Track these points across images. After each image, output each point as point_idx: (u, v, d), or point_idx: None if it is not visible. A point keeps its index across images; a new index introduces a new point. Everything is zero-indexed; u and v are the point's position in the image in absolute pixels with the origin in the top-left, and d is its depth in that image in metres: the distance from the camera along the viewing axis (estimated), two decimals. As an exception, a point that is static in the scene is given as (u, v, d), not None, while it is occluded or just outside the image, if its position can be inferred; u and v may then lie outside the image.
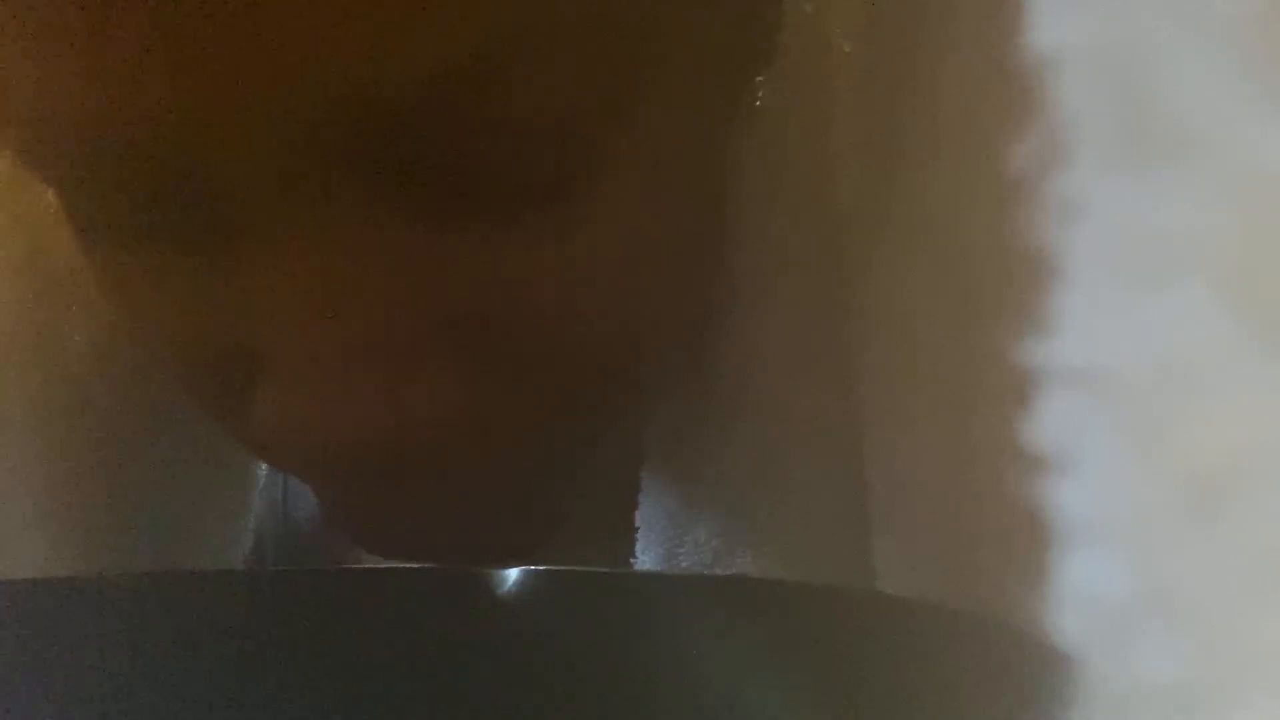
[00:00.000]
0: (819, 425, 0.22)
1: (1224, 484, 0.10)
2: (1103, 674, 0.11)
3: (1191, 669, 0.11)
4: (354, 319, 0.18)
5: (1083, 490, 0.11)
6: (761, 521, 0.23)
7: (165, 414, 0.26)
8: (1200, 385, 0.11)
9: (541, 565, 0.15)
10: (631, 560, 0.25)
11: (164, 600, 0.15)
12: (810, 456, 0.22)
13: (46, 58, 0.16)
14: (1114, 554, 0.11)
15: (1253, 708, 0.10)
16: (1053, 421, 0.12)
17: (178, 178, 0.18)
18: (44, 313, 0.25)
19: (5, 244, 0.25)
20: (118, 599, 0.15)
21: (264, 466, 0.29)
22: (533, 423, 0.20)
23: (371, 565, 0.23)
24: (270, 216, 0.18)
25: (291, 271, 0.18)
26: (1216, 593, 0.10)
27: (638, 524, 0.25)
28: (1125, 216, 0.11)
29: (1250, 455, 0.10)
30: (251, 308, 0.18)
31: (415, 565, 0.19)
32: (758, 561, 0.23)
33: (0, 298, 0.25)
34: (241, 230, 0.18)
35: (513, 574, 0.15)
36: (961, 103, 0.17)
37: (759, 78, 0.22)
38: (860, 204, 0.21)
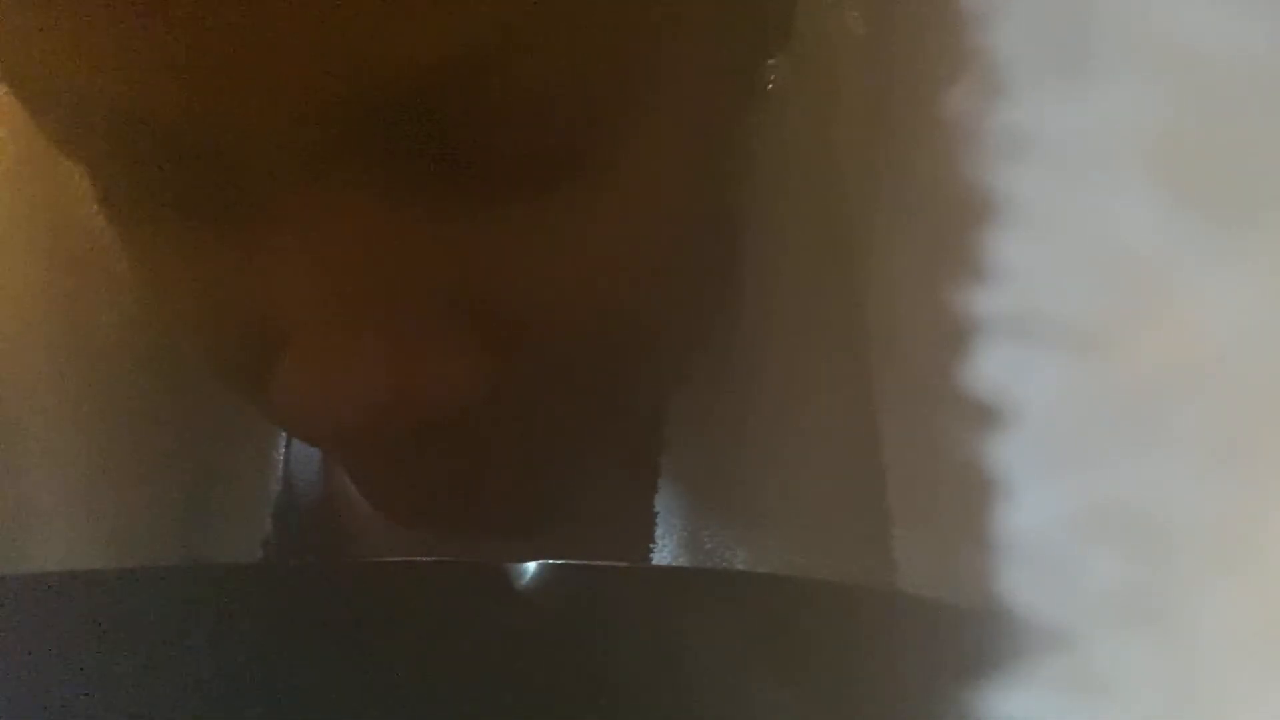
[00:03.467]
0: (836, 414, 0.22)
1: (1171, 392, 0.10)
2: (1050, 614, 0.11)
3: (1142, 577, 0.10)
4: (372, 296, 0.18)
5: (1026, 431, 0.11)
6: (779, 514, 0.23)
7: (187, 401, 0.26)
8: (1145, 292, 0.10)
9: (559, 559, 0.15)
10: (649, 550, 0.25)
11: (185, 593, 0.15)
12: (828, 448, 0.22)
13: (83, 44, 0.17)
14: (1058, 489, 0.11)
15: (1211, 611, 0.10)
16: (998, 367, 0.11)
17: (204, 157, 0.18)
18: (69, 295, 0.25)
19: (29, 227, 0.25)
20: (140, 591, 0.15)
21: (281, 454, 0.29)
22: (548, 408, 0.21)
23: (389, 560, 0.23)
24: (292, 195, 0.18)
25: (312, 249, 0.18)
26: (1166, 502, 0.10)
27: (655, 516, 0.25)
28: (1064, 128, 0.11)
29: (1200, 358, 0.10)
30: (273, 284, 0.19)
31: (433, 559, 0.19)
32: (774, 555, 0.23)
33: (26, 281, 0.25)
34: (265, 208, 0.18)
35: (530, 568, 0.15)
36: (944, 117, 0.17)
37: (772, 61, 0.22)
38: (874, 188, 0.21)
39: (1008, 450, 0.11)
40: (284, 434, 0.29)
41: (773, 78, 0.22)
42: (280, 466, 0.29)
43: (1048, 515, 0.10)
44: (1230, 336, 0.10)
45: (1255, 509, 0.10)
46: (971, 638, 0.12)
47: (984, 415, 0.11)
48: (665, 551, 0.25)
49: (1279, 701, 0.10)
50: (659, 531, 0.25)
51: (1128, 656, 0.10)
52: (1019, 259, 0.11)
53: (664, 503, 0.25)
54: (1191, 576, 0.10)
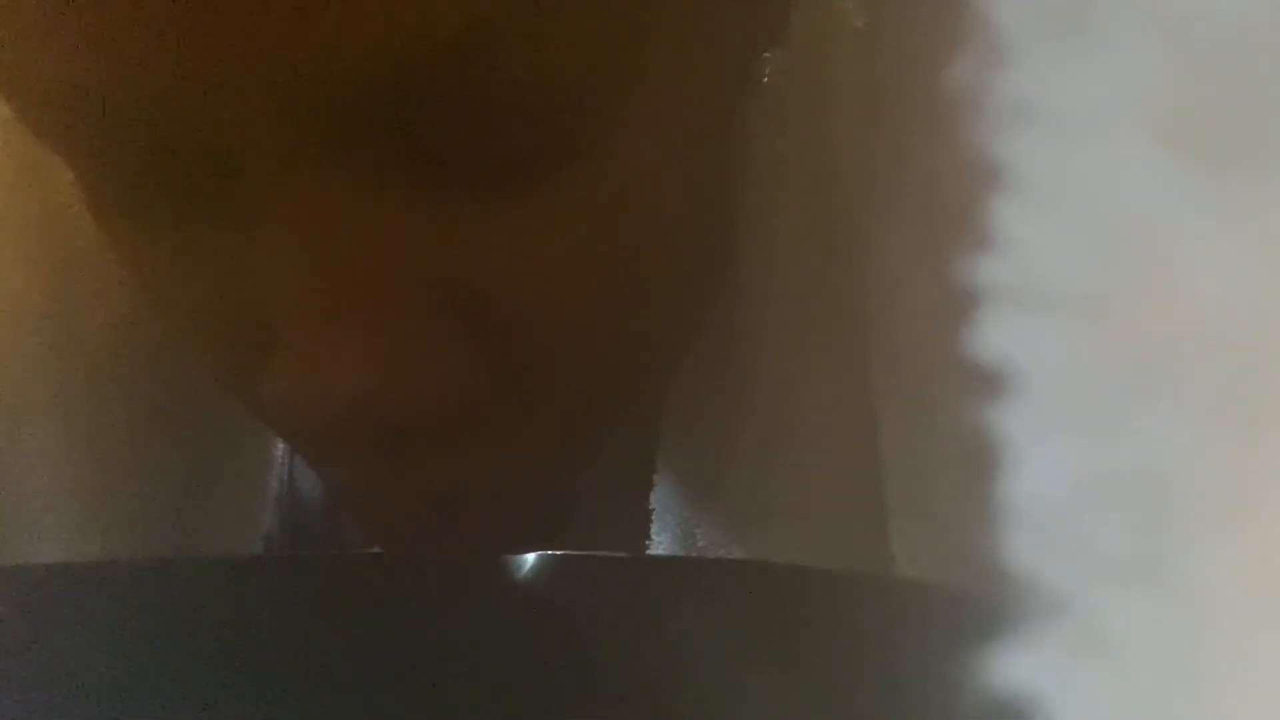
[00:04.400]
0: (832, 405, 0.22)
1: (1175, 355, 0.10)
2: (1055, 579, 0.11)
3: (1146, 540, 0.10)
4: (361, 290, 0.18)
5: (1030, 399, 0.11)
6: (776, 504, 0.23)
7: (186, 395, 0.26)
8: (1149, 255, 0.10)
9: (558, 550, 0.15)
10: (646, 545, 0.25)
11: (181, 586, 0.15)
12: (824, 437, 0.22)
13: (66, 37, 0.17)
14: (1062, 455, 0.11)
15: (1215, 571, 0.10)
16: (1000, 337, 0.11)
17: (189, 150, 0.18)
18: (62, 292, 0.25)
19: (19, 225, 0.25)
20: (135, 585, 0.15)
21: (281, 449, 0.29)
22: (542, 401, 0.20)
23: (387, 551, 0.23)
24: (280, 188, 0.18)
25: (299, 242, 0.18)
26: (1170, 464, 0.10)
27: (652, 508, 0.25)
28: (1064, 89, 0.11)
29: (1204, 320, 0.10)
30: (261, 278, 0.19)
31: (432, 550, 0.19)
32: (772, 545, 0.23)
33: (17, 279, 0.25)
34: (251, 201, 0.18)
35: (529, 559, 0.15)
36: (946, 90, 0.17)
37: (767, 54, 0.22)
38: (870, 181, 0.21)
39: (1011, 419, 0.11)
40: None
41: (768, 71, 0.22)
42: (278, 463, 0.29)
43: (1052, 482, 0.10)
44: (1235, 297, 0.10)
45: (1260, 469, 0.10)
46: (970, 622, 0.12)
47: (986, 391, 0.11)
48: (660, 548, 0.25)
49: None
50: (655, 528, 0.25)
51: (1131, 619, 0.10)
52: (1021, 229, 0.11)
53: (659, 499, 0.25)
54: (1195, 538, 0.10)
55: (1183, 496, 0.10)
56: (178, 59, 0.16)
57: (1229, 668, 0.10)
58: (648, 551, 0.25)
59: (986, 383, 0.11)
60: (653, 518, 0.25)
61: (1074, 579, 0.10)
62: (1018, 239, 0.11)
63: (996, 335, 0.11)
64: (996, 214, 0.11)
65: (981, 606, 0.12)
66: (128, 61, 0.16)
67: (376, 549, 0.24)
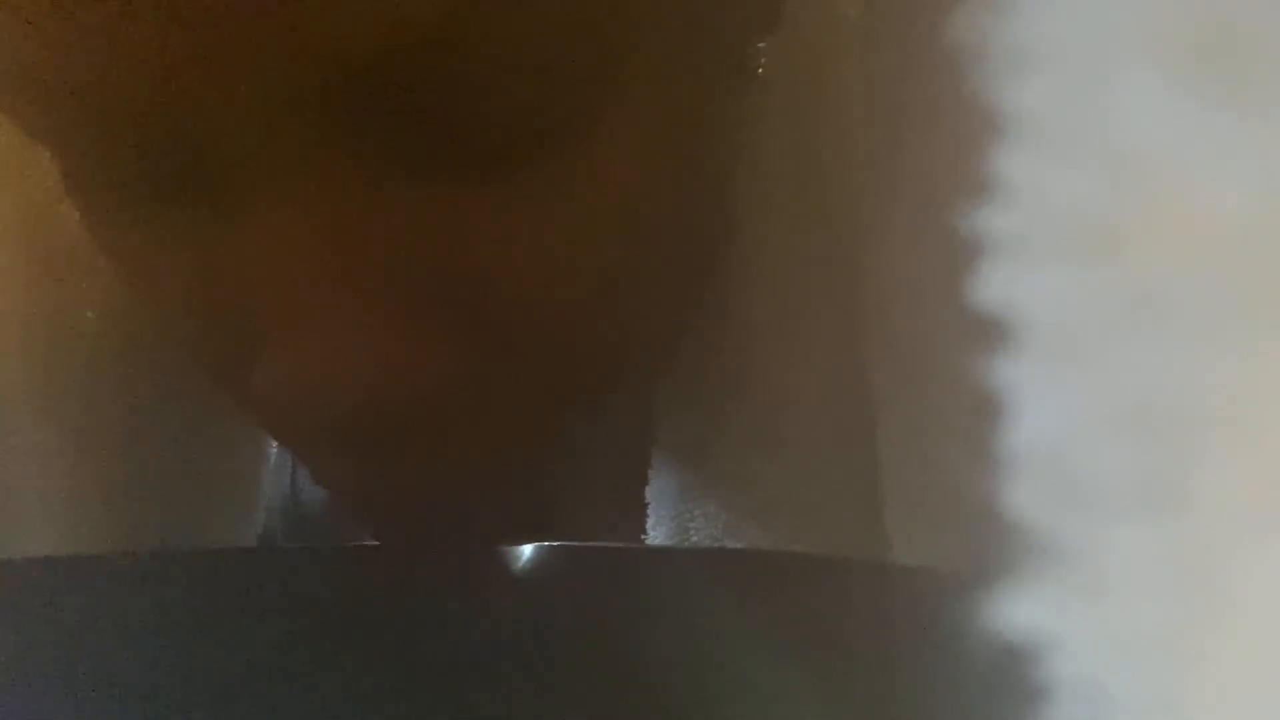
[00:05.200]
0: (826, 393, 0.22)
1: (1183, 283, 0.10)
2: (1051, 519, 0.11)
3: (1152, 468, 0.10)
4: (352, 282, 0.18)
5: (1034, 345, 0.11)
6: (770, 493, 0.23)
7: (178, 389, 0.26)
8: (1156, 189, 0.10)
9: (554, 541, 0.15)
10: (642, 536, 0.25)
11: (176, 578, 0.15)
12: (817, 425, 0.22)
13: (49, 28, 0.16)
14: (1068, 397, 0.11)
15: (1221, 493, 0.10)
16: (1003, 287, 0.11)
17: (175, 141, 0.18)
18: (52, 291, 0.25)
19: (9, 226, 0.25)
20: (131, 577, 0.15)
21: (275, 442, 0.29)
22: (535, 391, 0.20)
23: (384, 543, 0.23)
24: (269, 180, 0.18)
25: (292, 236, 0.18)
26: (1179, 391, 0.10)
27: (647, 499, 0.25)
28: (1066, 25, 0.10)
29: (1213, 246, 0.10)
30: (250, 272, 0.18)
31: (428, 542, 0.19)
32: (767, 533, 0.23)
33: (8, 279, 0.25)
34: (242, 195, 0.18)
35: (526, 550, 0.15)
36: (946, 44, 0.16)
37: (761, 44, 0.22)
38: (864, 171, 0.21)
39: (1013, 371, 0.11)
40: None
41: (763, 61, 0.22)
42: (273, 458, 0.29)
43: (1053, 425, 0.10)
44: (1243, 223, 0.10)
45: (1264, 391, 0.10)
46: (965, 605, 0.12)
47: (986, 360, 0.11)
48: (656, 540, 0.25)
49: None
50: (650, 521, 0.25)
51: (1136, 554, 0.10)
52: (1026, 176, 0.11)
53: (654, 491, 0.25)
54: (1200, 463, 0.10)
55: (1186, 423, 0.10)
56: (160, 50, 0.16)
57: (1239, 593, 0.10)
58: (642, 542, 0.25)
59: (988, 339, 0.11)
60: (648, 510, 0.25)
61: (1077, 519, 0.10)
62: (1022, 187, 0.11)
63: (1000, 289, 0.11)
64: (1000, 164, 0.11)
65: (977, 590, 0.12)
66: (118, 53, 0.16)
67: (372, 541, 0.24)
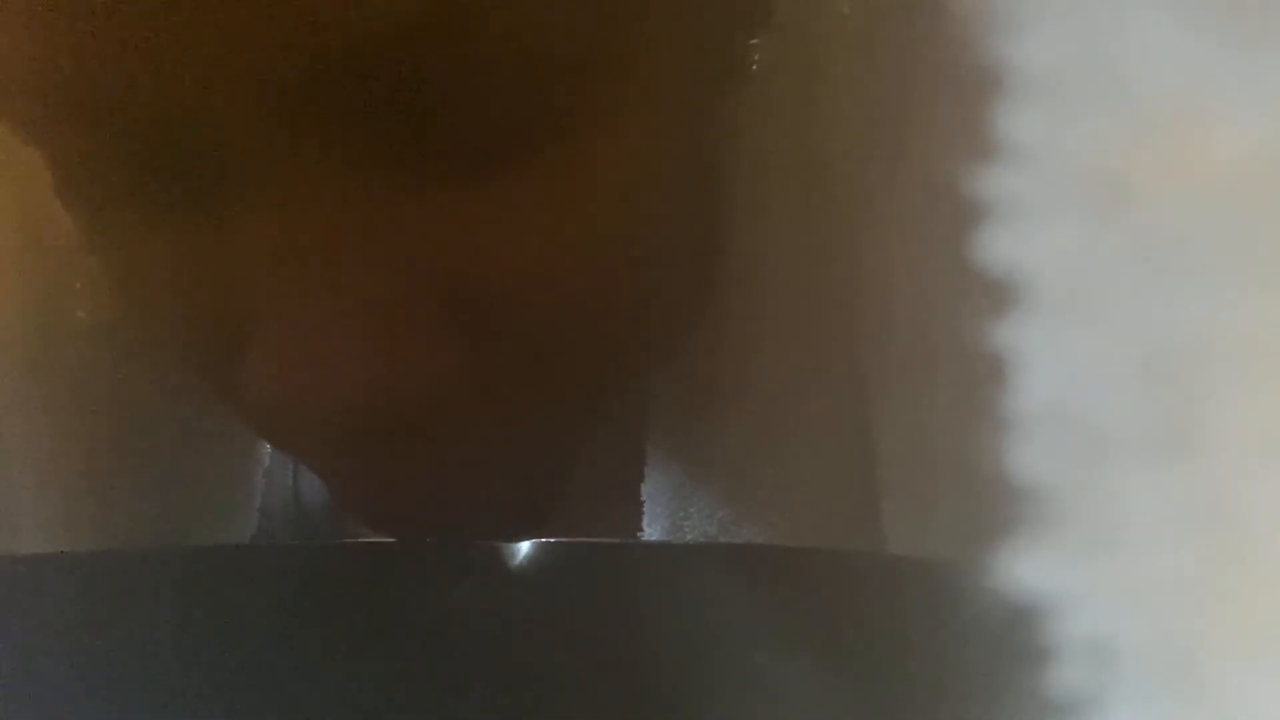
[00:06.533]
0: (822, 390, 0.22)
1: (1198, 226, 0.10)
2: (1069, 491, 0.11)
3: (1160, 416, 0.10)
4: (347, 279, 0.18)
5: (1042, 303, 0.11)
6: (767, 488, 0.23)
7: (171, 389, 0.26)
8: (1169, 133, 0.10)
9: (551, 537, 0.15)
10: (638, 531, 0.25)
11: (171, 575, 0.15)
12: (815, 420, 0.22)
13: (43, 29, 0.16)
14: (1073, 350, 0.10)
15: (1240, 431, 0.10)
16: (1010, 245, 0.11)
17: (165, 137, 0.17)
18: (45, 292, 0.25)
19: (1, 225, 0.25)
20: (126, 574, 0.15)
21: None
22: (531, 389, 0.20)
23: (382, 540, 0.23)
24: (262, 180, 0.18)
25: (283, 236, 0.18)
26: (1196, 334, 0.10)
27: (644, 495, 0.25)
28: None
29: (1228, 186, 0.10)
30: (240, 273, 0.18)
31: (426, 538, 0.19)
32: (764, 529, 0.23)
33: (0, 281, 0.25)
34: (234, 195, 0.18)
35: (523, 546, 0.15)
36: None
37: (754, 40, 0.22)
38: (858, 166, 0.21)
39: (1019, 332, 0.10)
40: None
41: (757, 58, 0.22)
42: (268, 457, 0.29)
43: (1061, 381, 0.10)
44: (1256, 163, 0.10)
45: (1275, 332, 0.09)
46: (964, 598, 0.12)
47: (990, 323, 0.11)
48: (652, 536, 0.25)
49: None
50: (646, 518, 0.25)
51: (1149, 503, 0.10)
52: (1032, 134, 0.10)
53: (649, 488, 0.25)
54: (1212, 406, 0.10)
55: (1196, 367, 0.10)
56: (159, 48, 0.16)
57: (1255, 536, 0.10)
58: (639, 538, 0.25)
59: (992, 314, 0.11)
60: (644, 505, 0.25)
61: (1086, 474, 0.10)
62: (1029, 147, 0.10)
63: (1006, 253, 0.11)
64: (1006, 126, 0.10)
65: (975, 582, 0.12)
66: (109, 53, 0.16)
67: (370, 538, 0.24)
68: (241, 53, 0.16)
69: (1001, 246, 0.11)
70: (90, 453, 0.26)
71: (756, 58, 0.22)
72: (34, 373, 0.25)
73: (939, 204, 0.18)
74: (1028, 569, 0.10)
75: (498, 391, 0.20)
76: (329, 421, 0.18)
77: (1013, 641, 0.11)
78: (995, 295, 0.11)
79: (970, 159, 0.11)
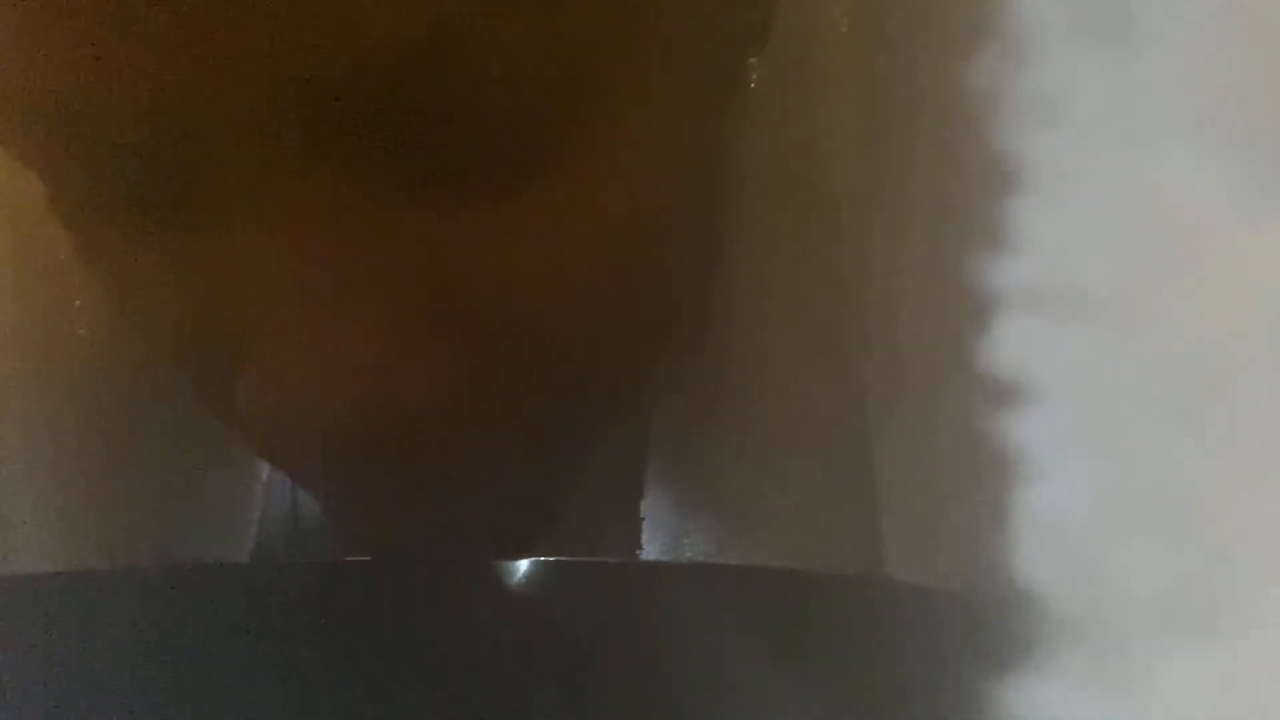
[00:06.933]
0: (824, 409, 0.22)
1: (1210, 365, 0.10)
2: (1076, 606, 0.10)
3: (1185, 575, 0.10)
4: (345, 295, 0.18)
5: (1049, 409, 0.10)
6: (767, 508, 0.23)
7: (169, 406, 0.26)
8: (1184, 255, 0.10)
9: (549, 556, 0.15)
10: (638, 550, 0.25)
11: (171, 593, 0.15)
12: (816, 440, 0.22)
13: (42, 48, 0.16)
14: (1081, 474, 0.10)
15: (1258, 608, 0.09)
16: (1016, 343, 0.11)
17: (162, 154, 0.18)
18: (43, 307, 0.25)
19: (1, 242, 0.25)
20: (125, 592, 0.15)
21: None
22: (529, 406, 0.20)
23: (378, 558, 0.23)
24: (260, 198, 0.18)
25: (281, 246, 0.18)
26: (1207, 492, 0.10)
27: (643, 514, 0.25)
28: (1101, 89, 0.10)
29: (1243, 326, 0.09)
30: (236, 291, 0.18)
31: (423, 556, 0.19)
32: (764, 549, 0.23)
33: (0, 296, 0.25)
34: (225, 211, 0.18)
35: (521, 565, 0.15)
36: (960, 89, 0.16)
37: (753, 58, 0.22)
38: (859, 186, 0.21)
39: (1027, 429, 0.10)
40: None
41: (754, 76, 0.22)
42: (266, 473, 0.29)
43: (1071, 498, 0.10)
44: (1274, 303, 0.09)
45: None
46: (966, 627, 0.12)
47: (993, 398, 0.10)
48: (651, 556, 0.25)
49: None
50: (645, 536, 0.25)
51: (1171, 662, 0.10)
52: (1042, 228, 0.10)
53: (649, 506, 0.25)
54: (1247, 587, 0.09)
55: (1217, 526, 0.09)
56: (158, 70, 0.16)
57: None
58: (638, 557, 0.25)
59: (995, 389, 0.10)
60: (644, 524, 0.25)
61: (1100, 607, 0.10)
62: (1038, 238, 0.10)
63: (1011, 339, 0.10)
64: (1015, 212, 0.10)
65: (978, 611, 0.12)
66: (108, 72, 0.16)
67: (366, 556, 0.24)
68: (241, 78, 0.16)
69: (1008, 266, 0.11)
70: (90, 469, 0.26)
71: (755, 75, 0.22)
72: (35, 390, 0.25)
73: (941, 223, 0.18)
74: (1034, 691, 0.10)
75: (495, 408, 0.20)
76: (325, 436, 0.18)
77: (1013, 666, 0.11)
78: (1000, 315, 0.11)
79: (973, 175, 0.11)
